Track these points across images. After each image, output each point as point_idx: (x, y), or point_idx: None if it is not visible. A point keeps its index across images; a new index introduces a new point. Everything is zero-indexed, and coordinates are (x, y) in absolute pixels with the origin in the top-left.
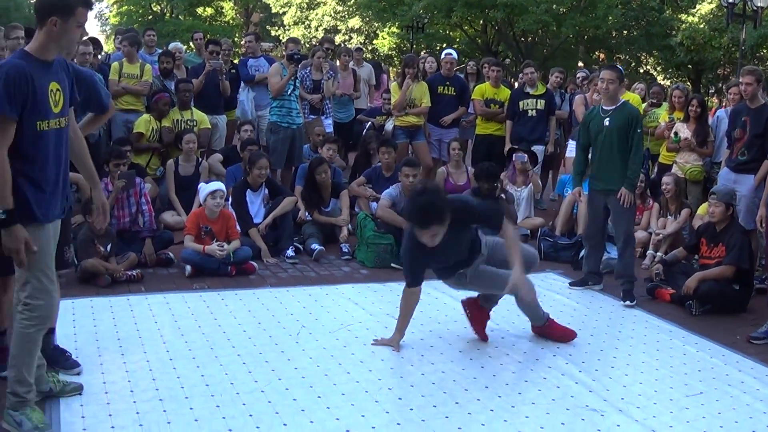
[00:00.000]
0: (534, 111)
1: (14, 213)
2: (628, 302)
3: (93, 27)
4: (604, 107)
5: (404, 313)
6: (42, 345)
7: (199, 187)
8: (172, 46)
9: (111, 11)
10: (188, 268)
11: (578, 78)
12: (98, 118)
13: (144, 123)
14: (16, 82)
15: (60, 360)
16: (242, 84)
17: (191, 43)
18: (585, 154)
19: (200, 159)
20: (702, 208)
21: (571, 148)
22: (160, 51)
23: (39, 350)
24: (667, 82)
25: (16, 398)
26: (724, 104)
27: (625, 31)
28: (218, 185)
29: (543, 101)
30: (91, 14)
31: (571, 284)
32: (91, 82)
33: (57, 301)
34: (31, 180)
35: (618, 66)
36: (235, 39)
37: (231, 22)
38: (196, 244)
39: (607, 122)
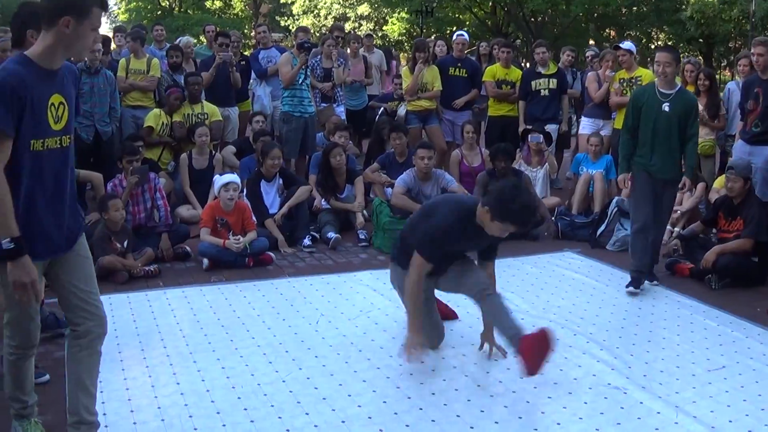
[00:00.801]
0: (546, 90)
1: (22, 242)
2: (632, 288)
3: (102, 24)
4: (661, 90)
5: (414, 310)
6: None
7: (213, 179)
8: (183, 40)
9: (120, 8)
10: (205, 261)
11: (588, 56)
12: None
13: (154, 117)
14: (14, 92)
15: None
16: (255, 78)
17: (202, 36)
18: (633, 137)
19: (213, 152)
20: (717, 182)
21: (583, 126)
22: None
23: (30, 372)
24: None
25: (14, 409)
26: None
27: (635, 8)
28: (231, 177)
29: (555, 80)
30: None
31: (628, 288)
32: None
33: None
34: (17, 208)
35: (672, 47)
36: (245, 31)
37: (240, 14)
38: (212, 237)
39: (666, 107)
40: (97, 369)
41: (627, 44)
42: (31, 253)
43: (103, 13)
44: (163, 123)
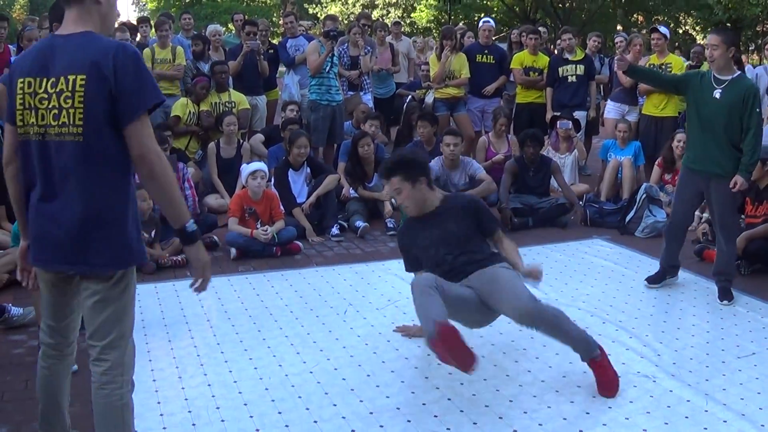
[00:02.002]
0: (574, 77)
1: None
2: (726, 302)
3: (130, 12)
4: (716, 76)
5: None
6: None
7: (241, 168)
8: (210, 28)
9: None
10: (233, 250)
11: (616, 42)
12: None
13: (180, 106)
14: None
15: None
16: (284, 66)
17: (230, 25)
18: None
19: (241, 141)
20: None
21: (608, 110)
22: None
23: None
24: (706, 40)
25: None
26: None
27: None
28: (259, 165)
29: (582, 66)
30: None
31: (648, 281)
32: None
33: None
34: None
35: (725, 28)
36: (273, 19)
37: (269, 1)
38: (240, 226)
39: (717, 95)
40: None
41: (663, 28)
42: (36, 257)
43: None
44: (190, 112)
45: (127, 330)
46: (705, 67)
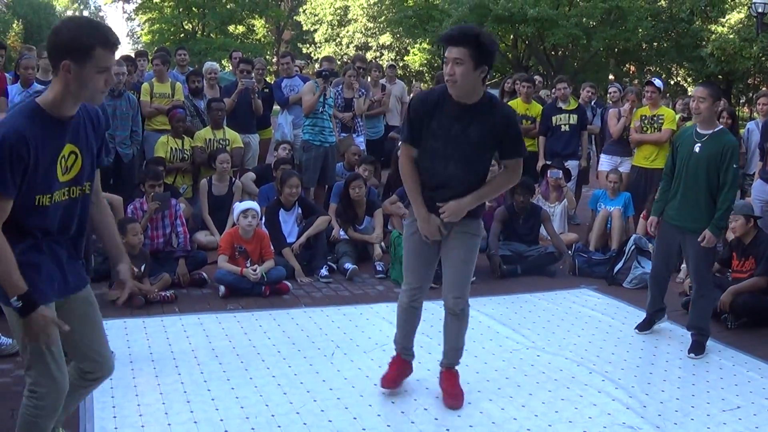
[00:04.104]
0: (567, 126)
1: (31, 295)
2: (693, 355)
3: (125, 45)
4: (698, 130)
5: (411, 194)
6: None
7: (232, 207)
8: (207, 65)
9: (143, 29)
10: (222, 288)
11: (610, 93)
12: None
13: (161, 146)
14: (13, 150)
15: None
16: (278, 106)
17: (225, 62)
18: (670, 180)
19: (233, 178)
20: None
21: (601, 163)
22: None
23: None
24: None
25: None
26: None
27: (655, 43)
28: (250, 204)
29: (575, 116)
30: (122, 32)
31: (637, 328)
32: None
33: (64, 389)
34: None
35: (711, 82)
36: (267, 57)
37: (263, 39)
38: (230, 264)
39: (697, 149)
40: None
41: (658, 81)
42: (45, 296)
43: (111, 51)
44: (172, 149)
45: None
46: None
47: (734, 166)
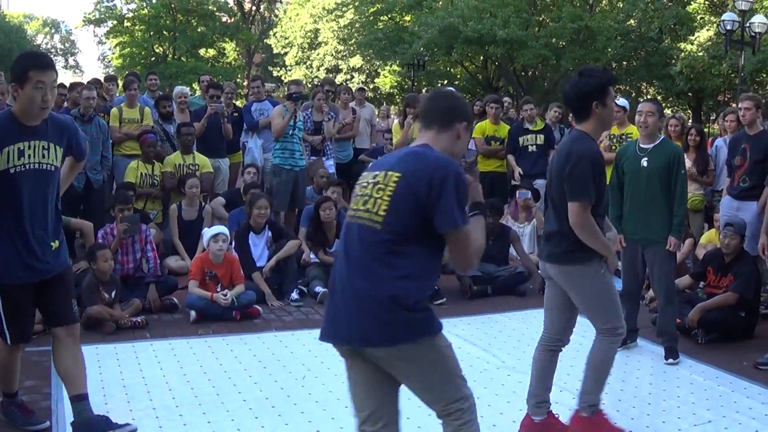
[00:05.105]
0: (534, 146)
1: None
2: (671, 360)
3: (96, 69)
4: (641, 145)
5: (599, 242)
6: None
7: (202, 232)
8: (177, 90)
9: (114, 53)
10: (193, 313)
11: None
12: (77, 165)
13: (131, 171)
14: None
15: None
16: (247, 130)
17: (195, 85)
18: (620, 194)
19: (203, 203)
20: (705, 237)
21: None
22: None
23: None
24: (668, 111)
25: None
26: (720, 133)
27: (624, 62)
28: (220, 229)
29: (542, 136)
30: (93, 56)
31: None
32: (73, 129)
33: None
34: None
35: (654, 99)
36: (237, 80)
37: (233, 63)
38: (200, 290)
39: (645, 163)
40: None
41: (622, 101)
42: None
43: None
44: (142, 174)
45: None
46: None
47: (682, 171)
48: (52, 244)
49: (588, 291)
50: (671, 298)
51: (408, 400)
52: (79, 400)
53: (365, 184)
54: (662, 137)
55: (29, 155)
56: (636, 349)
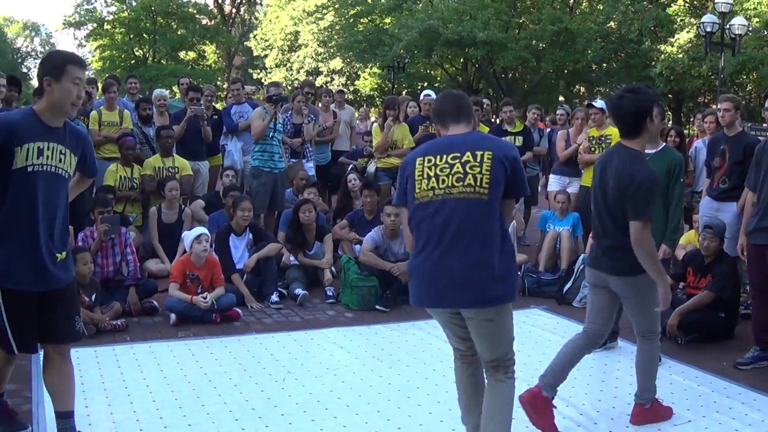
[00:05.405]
0: None
1: None
2: None
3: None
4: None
5: (657, 269)
6: None
7: (182, 236)
8: (156, 92)
9: (94, 56)
10: (173, 316)
11: (558, 115)
12: (85, 181)
13: (111, 174)
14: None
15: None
16: (226, 133)
17: (175, 88)
18: None
19: (183, 206)
20: (684, 238)
21: (551, 183)
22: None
23: None
24: None
25: None
26: (697, 135)
27: (604, 64)
28: (202, 230)
29: (521, 138)
30: None
31: None
32: (88, 143)
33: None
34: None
35: (659, 104)
36: (217, 83)
37: (213, 65)
38: (180, 292)
39: None
40: None
41: (599, 102)
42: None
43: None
44: (121, 177)
45: None
46: None
47: (681, 180)
48: (59, 255)
49: (645, 299)
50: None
51: (427, 396)
52: (64, 417)
53: (443, 166)
54: (664, 144)
55: (47, 156)
56: (616, 350)
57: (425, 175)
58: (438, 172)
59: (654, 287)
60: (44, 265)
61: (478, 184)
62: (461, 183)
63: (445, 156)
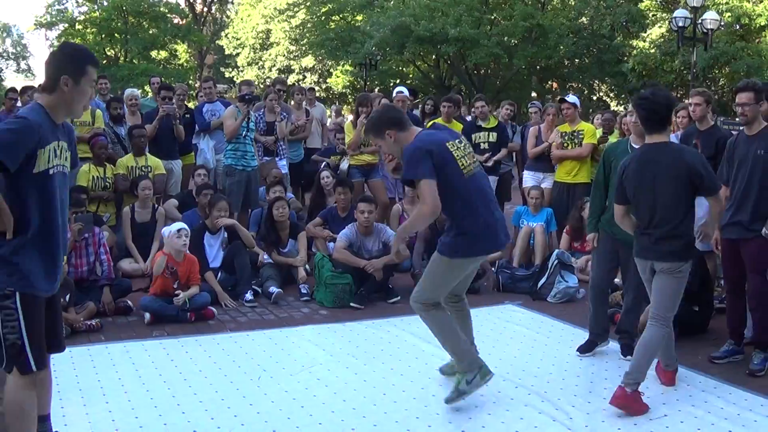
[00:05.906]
0: (486, 144)
1: None
2: (629, 356)
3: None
4: (633, 144)
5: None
6: None
7: (162, 232)
8: (128, 92)
9: None
10: (147, 315)
11: (530, 111)
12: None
13: (83, 174)
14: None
15: None
16: (198, 131)
17: (147, 87)
18: (604, 192)
19: (156, 205)
20: None
21: (525, 179)
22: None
23: None
24: (621, 109)
25: None
26: (673, 129)
27: (576, 60)
28: (181, 224)
29: (495, 134)
30: (45, 60)
31: (579, 350)
32: (74, 135)
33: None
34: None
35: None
36: (190, 81)
37: (185, 64)
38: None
39: None
40: None
41: (572, 98)
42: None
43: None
44: (94, 177)
45: None
46: (616, 134)
47: None
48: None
49: (678, 285)
50: (641, 299)
51: (402, 393)
52: (41, 420)
53: (463, 148)
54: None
55: (59, 155)
56: (596, 348)
57: (460, 155)
58: (465, 152)
59: (685, 282)
60: (59, 268)
61: (476, 161)
62: (473, 159)
63: (456, 141)
